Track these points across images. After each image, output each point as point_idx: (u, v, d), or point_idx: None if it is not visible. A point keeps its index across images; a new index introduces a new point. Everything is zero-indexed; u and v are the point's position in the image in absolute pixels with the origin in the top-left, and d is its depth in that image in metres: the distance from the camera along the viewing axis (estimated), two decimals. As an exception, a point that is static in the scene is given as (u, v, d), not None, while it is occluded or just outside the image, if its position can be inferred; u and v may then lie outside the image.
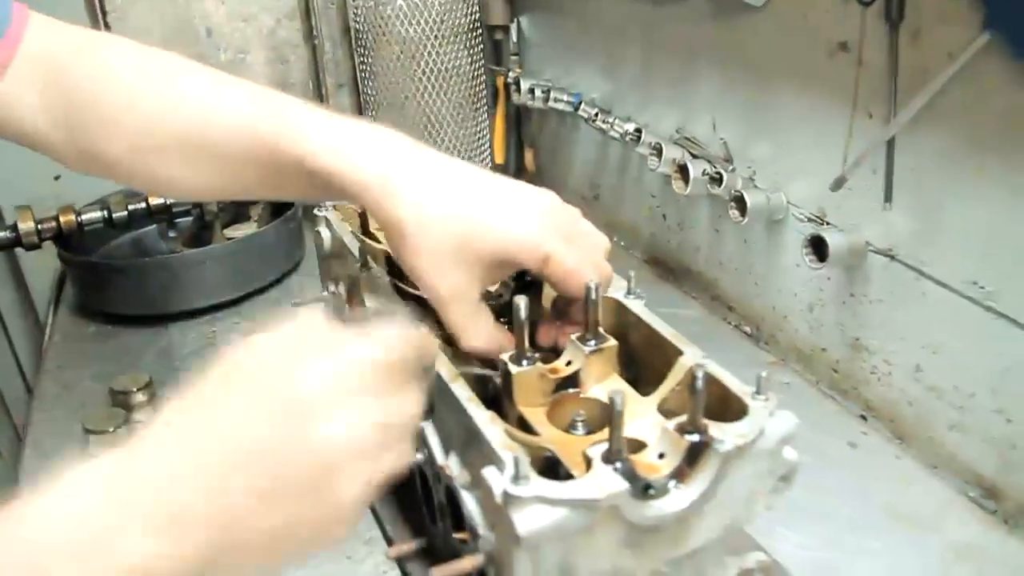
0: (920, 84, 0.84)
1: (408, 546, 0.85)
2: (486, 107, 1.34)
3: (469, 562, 0.69)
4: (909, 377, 0.95)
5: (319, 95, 1.47)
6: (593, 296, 0.78)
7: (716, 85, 1.13)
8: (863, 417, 1.02)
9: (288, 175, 0.71)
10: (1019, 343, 0.82)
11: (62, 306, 1.36)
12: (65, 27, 0.80)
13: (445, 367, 0.75)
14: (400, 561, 0.86)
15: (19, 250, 1.30)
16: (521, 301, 0.75)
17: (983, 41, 0.75)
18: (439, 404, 0.78)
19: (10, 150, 1.38)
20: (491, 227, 0.67)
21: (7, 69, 0.76)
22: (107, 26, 1.39)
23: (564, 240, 0.70)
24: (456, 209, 0.67)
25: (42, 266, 1.48)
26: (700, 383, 0.66)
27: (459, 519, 0.76)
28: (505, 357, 0.77)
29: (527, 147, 1.58)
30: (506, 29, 1.46)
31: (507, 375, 0.76)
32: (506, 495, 0.61)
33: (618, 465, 0.65)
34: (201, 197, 0.87)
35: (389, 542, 0.89)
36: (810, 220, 1.02)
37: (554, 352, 0.81)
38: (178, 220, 1.40)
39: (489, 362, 0.79)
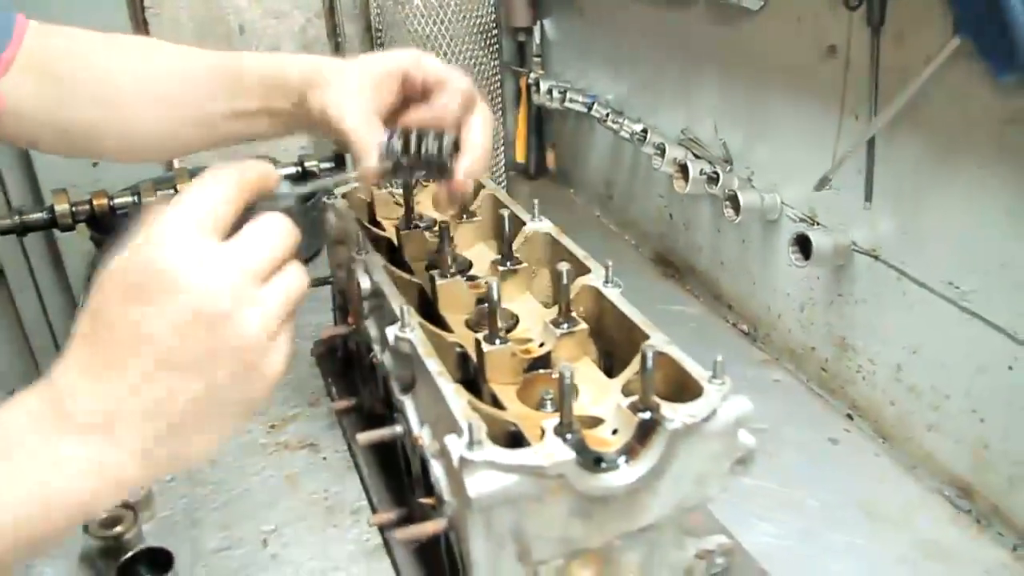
0: (901, 88, 0.85)
1: (389, 515, 0.88)
2: (502, 106, 1.38)
3: (432, 526, 0.73)
4: (891, 377, 0.96)
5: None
6: (565, 281, 0.81)
7: (717, 88, 1.15)
8: (849, 416, 1.03)
9: (241, 92, 0.86)
10: (992, 343, 0.83)
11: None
12: (47, 26, 0.90)
13: (422, 345, 0.79)
14: (382, 529, 0.90)
15: (56, 231, 1.38)
16: (493, 281, 0.78)
17: (954, 45, 0.77)
18: (418, 380, 0.82)
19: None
20: (380, 55, 0.85)
21: (11, 66, 0.86)
22: (145, 21, 1.46)
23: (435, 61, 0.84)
24: (360, 62, 0.83)
25: (78, 248, 1.55)
26: (650, 362, 0.69)
27: (431, 487, 0.80)
28: (480, 336, 0.81)
29: (548, 146, 1.62)
30: (529, 31, 1.50)
31: (480, 353, 0.79)
32: (461, 460, 0.65)
33: (568, 437, 0.68)
34: (170, 150, 0.99)
35: (375, 511, 0.93)
36: (801, 220, 1.04)
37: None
38: (208, 208, 1.46)
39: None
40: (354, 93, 0.81)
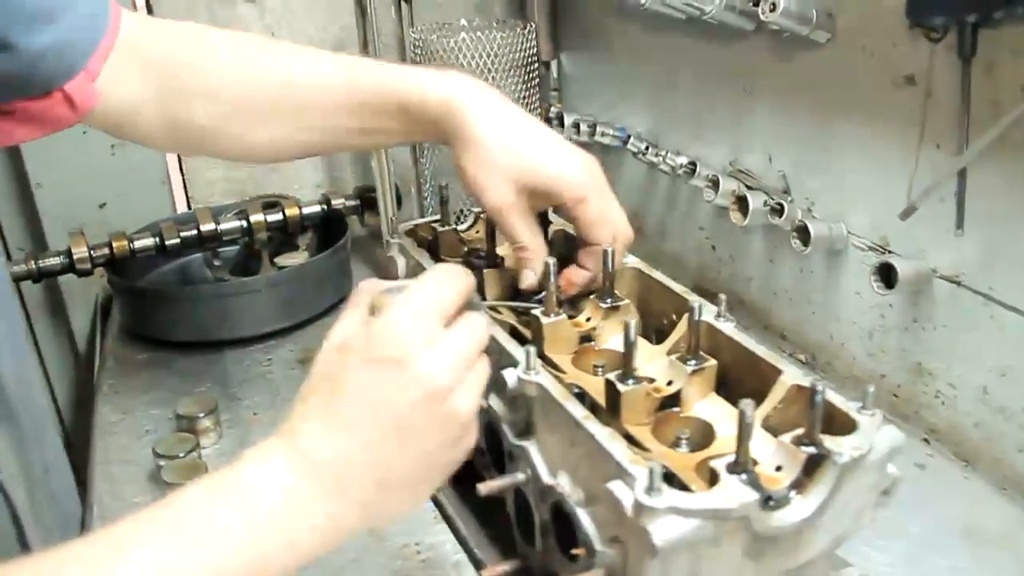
0: (991, 116, 0.87)
1: (504, 567, 0.85)
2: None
3: (588, 577, 0.70)
4: (976, 400, 0.98)
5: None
6: (697, 317, 0.80)
7: (773, 118, 1.16)
8: (926, 440, 1.04)
9: (380, 113, 0.85)
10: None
11: (109, 332, 1.35)
12: (150, 19, 0.92)
13: (555, 387, 0.76)
14: (493, 583, 0.86)
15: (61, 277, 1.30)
16: (632, 320, 0.76)
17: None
18: (542, 425, 0.79)
19: (57, 181, 1.39)
20: (545, 165, 0.83)
21: (109, 56, 0.83)
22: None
23: (599, 192, 0.85)
24: (520, 143, 0.82)
25: (83, 292, 1.47)
26: (820, 399, 0.68)
27: (565, 537, 0.77)
28: (612, 376, 0.79)
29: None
30: (548, 65, 1.50)
31: (616, 393, 0.77)
32: (640, 506, 0.63)
33: (744, 476, 0.67)
34: (288, 154, 0.94)
35: (477, 565, 0.89)
36: (871, 249, 1.05)
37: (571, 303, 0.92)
38: (222, 249, 1.40)
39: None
40: (510, 190, 0.82)
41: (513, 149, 0.81)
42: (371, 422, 0.58)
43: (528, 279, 0.87)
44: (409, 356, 0.59)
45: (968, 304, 0.96)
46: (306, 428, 0.59)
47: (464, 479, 0.97)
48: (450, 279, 0.65)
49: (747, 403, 0.66)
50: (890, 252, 1.03)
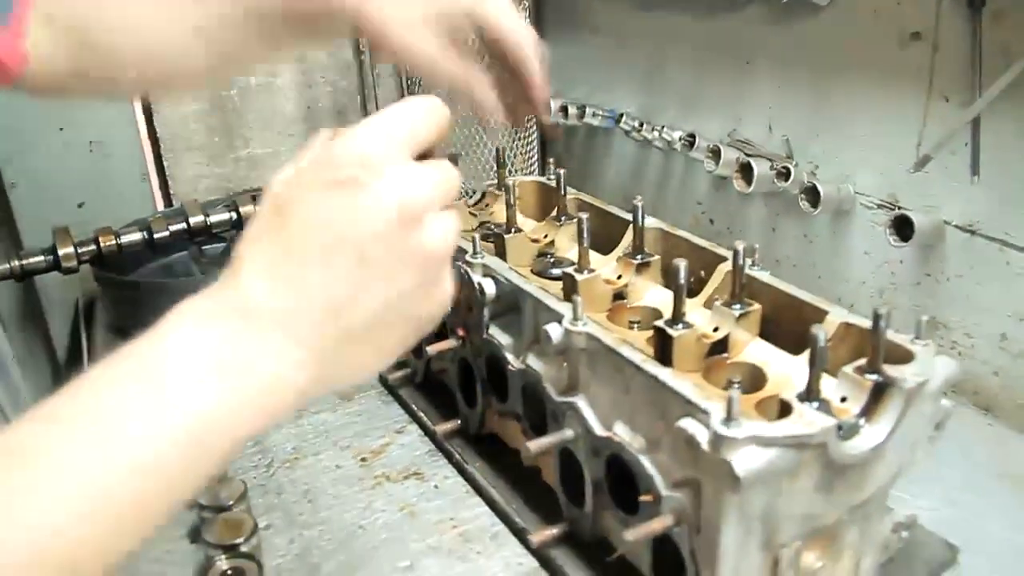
0: (1002, 64, 0.89)
1: (551, 531, 0.83)
2: (540, 133, 1.36)
3: (659, 523, 0.69)
4: (994, 347, 0.99)
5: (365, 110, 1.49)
6: (740, 262, 0.80)
7: (773, 86, 1.17)
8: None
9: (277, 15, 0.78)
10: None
11: (96, 333, 1.30)
12: None
13: (607, 336, 0.75)
14: (535, 549, 0.84)
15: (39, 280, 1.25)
16: (681, 264, 0.76)
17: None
18: (591, 377, 0.78)
19: (33, 180, 1.34)
20: None
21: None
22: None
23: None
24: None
25: (63, 293, 1.41)
26: (884, 323, 0.68)
27: (620, 492, 0.76)
28: (661, 322, 0.77)
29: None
30: (529, 52, 1.49)
31: (668, 339, 0.76)
32: (718, 438, 0.62)
33: (816, 404, 0.66)
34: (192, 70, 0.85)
35: (517, 534, 0.87)
36: (880, 206, 1.06)
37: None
38: (207, 247, 1.36)
39: None
40: (431, 33, 0.76)
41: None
42: (327, 257, 0.50)
43: (491, 109, 0.81)
44: (370, 175, 0.50)
45: (983, 252, 0.97)
46: (248, 271, 0.50)
47: (494, 453, 0.97)
48: (424, 108, 0.55)
49: (819, 328, 0.65)
50: (900, 208, 1.04)
